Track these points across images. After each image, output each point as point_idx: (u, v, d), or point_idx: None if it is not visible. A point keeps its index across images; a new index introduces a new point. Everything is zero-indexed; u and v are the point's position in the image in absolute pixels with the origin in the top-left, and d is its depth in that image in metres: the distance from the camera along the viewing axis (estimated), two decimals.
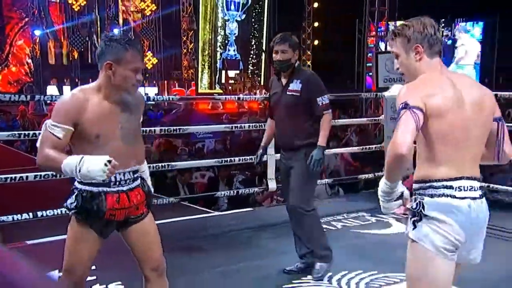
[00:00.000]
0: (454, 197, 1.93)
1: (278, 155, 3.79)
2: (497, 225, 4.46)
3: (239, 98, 12.65)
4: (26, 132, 4.85)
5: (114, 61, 2.19)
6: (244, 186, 6.45)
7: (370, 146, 6.27)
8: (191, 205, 5.67)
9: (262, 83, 20.56)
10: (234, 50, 20.57)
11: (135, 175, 2.36)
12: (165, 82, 19.80)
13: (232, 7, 20.18)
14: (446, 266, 1.97)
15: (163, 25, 19.06)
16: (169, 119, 12.17)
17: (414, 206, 1.97)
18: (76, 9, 17.99)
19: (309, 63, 22.47)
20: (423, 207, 1.95)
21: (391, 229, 4.71)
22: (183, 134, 8.87)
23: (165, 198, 4.77)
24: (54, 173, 4.51)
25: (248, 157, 4.84)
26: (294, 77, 3.45)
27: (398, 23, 2.15)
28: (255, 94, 17.39)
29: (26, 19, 17.53)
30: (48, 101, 9.53)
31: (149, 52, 19.40)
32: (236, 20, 20.42)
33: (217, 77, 20.16)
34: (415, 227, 1.98)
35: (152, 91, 17.99)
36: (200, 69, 19.77)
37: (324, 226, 4.77)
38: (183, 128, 5.25)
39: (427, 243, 1.96)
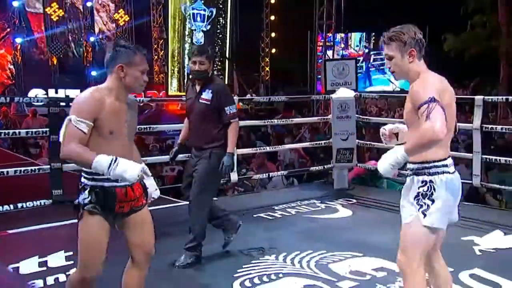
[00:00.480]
0: (449, 173, 2.17)
1: (219, 168, 3.61)
2: None
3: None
4: (7, 131, 4.71)
5: (125, 64, 2.22)
6: None
7: (320, 142, 6.33)
8: (162, 196, 5.57)
9: None
10: None
11: None
12: None
13: (198, 18, 20.00)
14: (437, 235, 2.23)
15: (135, 34, 18.70)
16: (141, 119, 11.96)
17: (426, 190, 2.15)
18: (54, 19, 17.46)
19: (267, 68, 22.54)
20: (435, 189, 2.14)
21: (338, 214, 4.78)
22: (154, 132, 8.75)
23: None
24: (35, 169, 4.38)
25: None
26: (206, 86, 3.44)
27: (392, 29, 2.25)
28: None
29: (8, 29, 16.90)
30: (26, 102, 9.27)
31: None
32: (202, 30, 20.24)
33: (185, 81, 19.96)
34: (425, 216, 2.15)
35: None
36: (170, 74, 19.53)
37: (280, 212, 4.82)
38: (153, 127, 5.22)
39: (436, 223, 2.16)
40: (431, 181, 2.16)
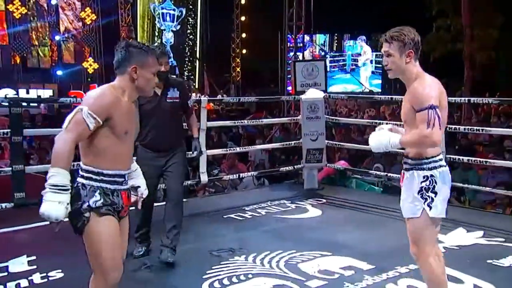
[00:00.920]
0: (444, 166, 2.39)
1: (192, 152, 3.69)
2: (392, 207, 4.72)
3: None
4: None
5: (138, 65, 2.17)
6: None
7: (290, 143, 6.38)
8: None
9: (197, 87, 20.40)
10: (170, 58, 20.22)
11: None
12: (95, 85, 19.10)
13: (168, 18, 19.82)
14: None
15: (103, 33, 18.37)
16: None
17: (428, 184, 2.33)
18: (17, 17, 16.96)
19: (238, 69, 22.56)
20: (436, 182, 2.33)
21: (308, 213, 4.83)
22: None
23: None
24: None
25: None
26: (170, 85, 3.49)
27: (393, 29, 2.38)
28: (191, 96, 17.16)
29: None
30: None
31: (91, 58, 18.66)
32: (172, 30, 20.08)
33: None
34: (430, 208, 2.34)
35: None
36: None
37: (251, 213, 4.83)
38: None
39: (441, 213, 2.36)
40: (432, 175, 2.34)
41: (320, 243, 3.81)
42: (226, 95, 18.23)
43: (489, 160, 5.23)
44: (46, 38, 17.96)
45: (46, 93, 17.04)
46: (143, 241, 3.60)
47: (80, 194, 2.10)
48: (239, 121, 7.12)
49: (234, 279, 3.16)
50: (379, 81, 20.75)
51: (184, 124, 3.74)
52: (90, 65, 18.72)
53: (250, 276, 3.21)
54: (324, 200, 5.26)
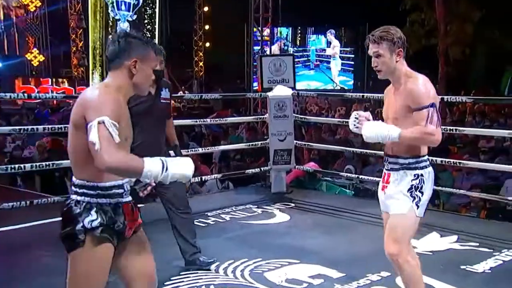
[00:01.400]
0: (430, 166, 2.54)
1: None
2: (363, 211, 4.82)
3: None
4: None
5: (139, 58, 2.01)
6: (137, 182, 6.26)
7: (257, 143, 6.40)
8: None
9: None
10: None
11: None
12: (48, 79, 18.61)
13: (123, 7, 19.45)
14: None
15: (49, 22, 17.85)
16: (58, 117, 11.48)
17: (417, 182, 2.47)
18: None
19: (201, 64, 22.43)
20: (424, 182, 2.49)
21: (275, 219, 4.86)
22: None
23: (51, 197, 4.51)
24: None
25: None
26: (161, 85, 3.48)
27: (379, 29, 2.49)
28: None
29: None
30: None
31: (35, 49, 18.12)
32: (128, 20, 19.75)
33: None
34: (418, 207, 2.49)
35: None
36: (91, 68, 18.86)
37: (214, 219, 4.82)
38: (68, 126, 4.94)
39: (423, 213, 2.52)
40: (421, 174, 2.50)
41: (287, 250, 3.85)
42: (188, 92, 18.10)
43: (463, 161, 5.41)
44: None
45: None
46: None
47: (73, 212, 1.92)
48: (202, 119, 7.08)
49: None
50: (347, 78, 20.96)
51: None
52: (35, 57, 18.17)
53: (212, 287, 3.21)
54: (293, 204, 5.31)
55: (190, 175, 1.93)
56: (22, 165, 4.56)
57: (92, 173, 1.93)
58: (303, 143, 6.51)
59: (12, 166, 4.58)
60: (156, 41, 20.62)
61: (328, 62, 21.44)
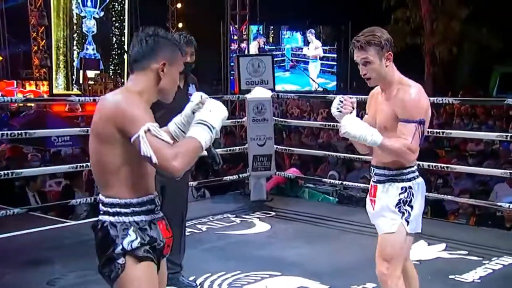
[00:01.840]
0: (419, 177, 2.49)
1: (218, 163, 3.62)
2: (347, 219, 4.87)
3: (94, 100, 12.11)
4: None
5: (168, 61, 1.90)
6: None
7: (235, 148, 6.42)
8: (44, 215, 5.32)
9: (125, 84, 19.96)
10: (93, 49, 19.68)
11: None
12: (13, 82, 18.32)
13: (89, 3, 19.32)
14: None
15: (7, 19, 17.56)
16: (18, 122, 11.26)
17: (406, 196, 2.42)
18: None
19: None
20: (413, 195, 2.43)
21: (254, 228, 4.87)
22: (37, 141, 8.28)
23: (10, 209, 4.44)
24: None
25: None
26: (188, 81, 3.46)
27: (364, 33, 2.41)
28: None
29: None
30: None
31: None
32: (94, 18, 19.60)
33: (74, 77, 19.17)
34: (408, 223, 2.42)
35: None
36: (54, 69, 18.63)
37: (189, 229, 4.79)
38: (30, 132, 4.73)
39: (417, 228, 2.47)
40: (410, 187, 2.44)
41: (268, 262, 3.86)
42: None
43: (451, 166, 5.51)
44: None
45: None
46: None
47: (110, 235, 1.84)
48: None
49: None
50: (328, 81, 20.80)
51: None
52: None
53: None
54: (273, 213, 5.32)
55: (226, 112, 1.92)
56: None
57: (123, 189, 1.86)
58: (284, 148, 6.55)
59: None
60: (125, 39, 20.56)
61: (306, 63, 20.96)
